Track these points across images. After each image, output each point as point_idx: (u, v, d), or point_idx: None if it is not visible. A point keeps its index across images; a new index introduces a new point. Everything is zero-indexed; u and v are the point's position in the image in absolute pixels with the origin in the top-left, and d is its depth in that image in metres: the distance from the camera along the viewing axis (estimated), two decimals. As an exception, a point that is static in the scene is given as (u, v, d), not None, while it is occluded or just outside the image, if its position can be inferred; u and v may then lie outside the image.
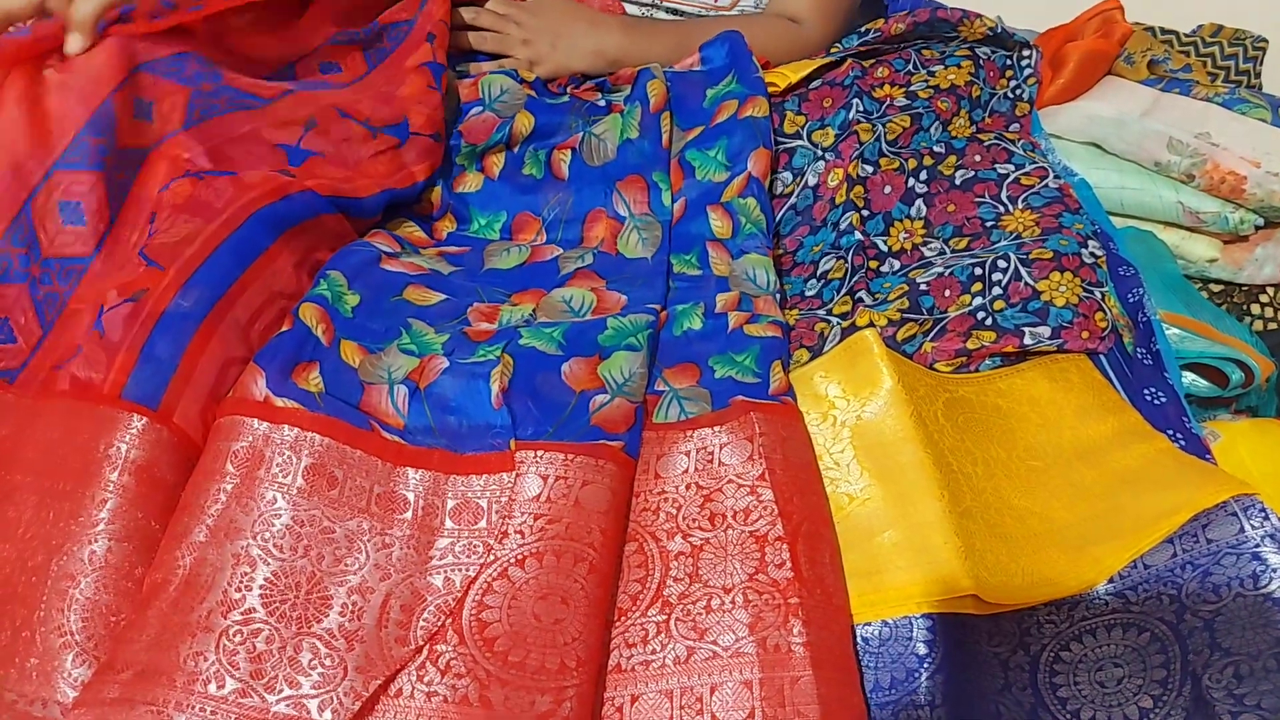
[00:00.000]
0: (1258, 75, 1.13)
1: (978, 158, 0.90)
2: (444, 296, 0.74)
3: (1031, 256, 0.78)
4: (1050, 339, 0.74)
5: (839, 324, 0.76)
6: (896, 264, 0.84)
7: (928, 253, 0.85)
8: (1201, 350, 0.80)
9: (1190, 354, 0.80)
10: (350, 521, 0.59)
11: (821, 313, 0.80)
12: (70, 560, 0.55)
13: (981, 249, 0.83)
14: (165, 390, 0.60)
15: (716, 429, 0.65)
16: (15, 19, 0.73)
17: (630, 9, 1.03)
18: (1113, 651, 0.60)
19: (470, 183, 0.88)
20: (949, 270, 0.80)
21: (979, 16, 0.96)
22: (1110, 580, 0.61)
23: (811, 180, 0.90)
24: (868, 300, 0.78)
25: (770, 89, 0.92)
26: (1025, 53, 0.97)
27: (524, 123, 0.88)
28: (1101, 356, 0.75)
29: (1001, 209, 0.86)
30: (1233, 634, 0.58)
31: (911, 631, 0.59)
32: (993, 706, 0.61)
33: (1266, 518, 0.59)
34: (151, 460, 0.58)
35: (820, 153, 0.90)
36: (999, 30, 0.96)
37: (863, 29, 0.99)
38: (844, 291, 0.81)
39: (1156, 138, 0.91)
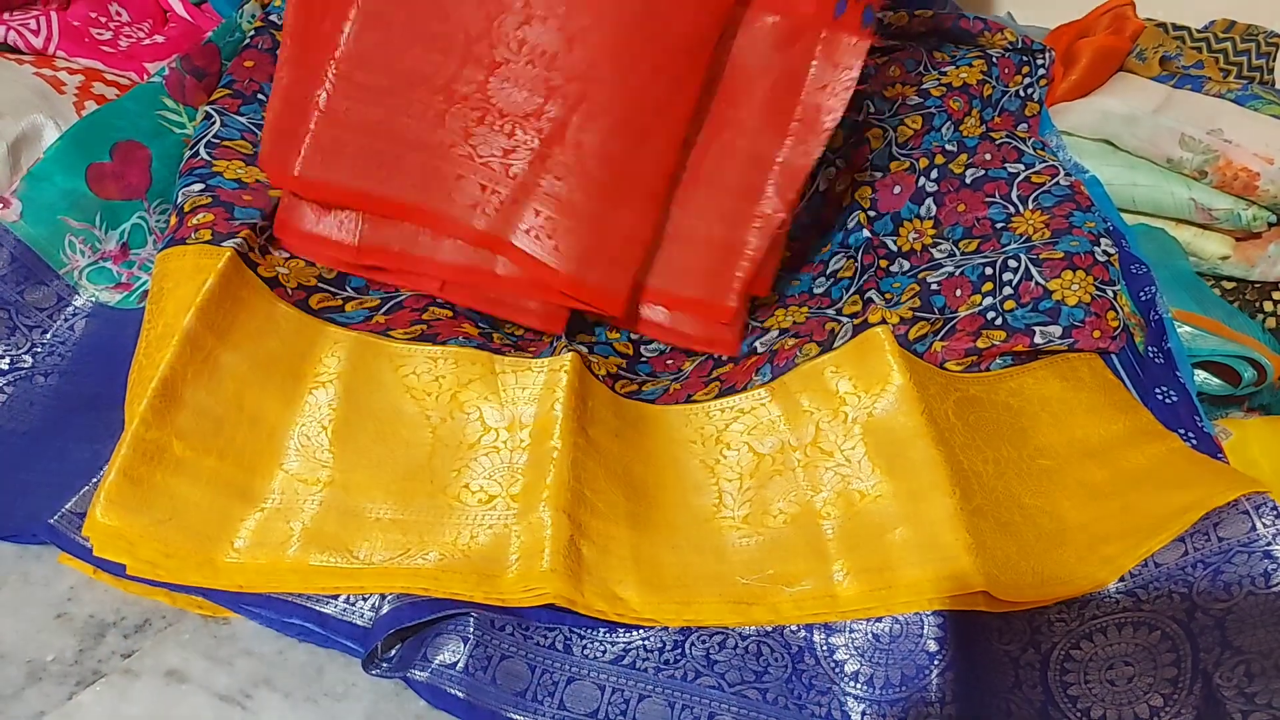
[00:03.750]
0: (1270, 71, 1.13)
1: (988, 156, 0.90)
2: None
3: (1042, 258, 0.78)
4: (1061, 338, 0.74)
5: (850, 322, 0.75)
6: (906, 264, 0.84)
7: (937, 254, 0.84)
8: (1213, 348, 0.80)
9: (1202, 352, 0.80)
10: None
11: (831, 312, 0.80)
12: None
13: (991, 251, 0.82)
14: None
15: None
16: None
17: None
18: (1123, 650, 0.60)
19: None
20: (960, 270, 0.80)
21: (1000, 29, 0.95)
22: (1121, 579, 0.61)
23: (821, 185, 0.89)
24: (878, 300, 0.77)
25: None
26: (1040, 57, 0.97)
27: None
28: (1113, 355, 0.75)
29: (1012, 209, 0.85)
30: (1244, 632, 0.58)
31: (922, 629, 0.59)
32: (1003, 704, 0.61)
33: (1278, 516, 0.58)
34: None
35: (831, 157, 0.90)
36: (1018, 44, 0.95)
37: (883, 17, 0.97)
38: (853, 290, 0.80)
39: (1169, 134, 0.91)
